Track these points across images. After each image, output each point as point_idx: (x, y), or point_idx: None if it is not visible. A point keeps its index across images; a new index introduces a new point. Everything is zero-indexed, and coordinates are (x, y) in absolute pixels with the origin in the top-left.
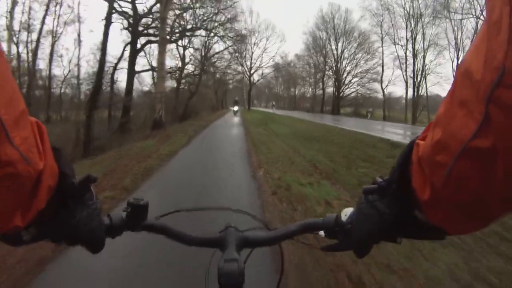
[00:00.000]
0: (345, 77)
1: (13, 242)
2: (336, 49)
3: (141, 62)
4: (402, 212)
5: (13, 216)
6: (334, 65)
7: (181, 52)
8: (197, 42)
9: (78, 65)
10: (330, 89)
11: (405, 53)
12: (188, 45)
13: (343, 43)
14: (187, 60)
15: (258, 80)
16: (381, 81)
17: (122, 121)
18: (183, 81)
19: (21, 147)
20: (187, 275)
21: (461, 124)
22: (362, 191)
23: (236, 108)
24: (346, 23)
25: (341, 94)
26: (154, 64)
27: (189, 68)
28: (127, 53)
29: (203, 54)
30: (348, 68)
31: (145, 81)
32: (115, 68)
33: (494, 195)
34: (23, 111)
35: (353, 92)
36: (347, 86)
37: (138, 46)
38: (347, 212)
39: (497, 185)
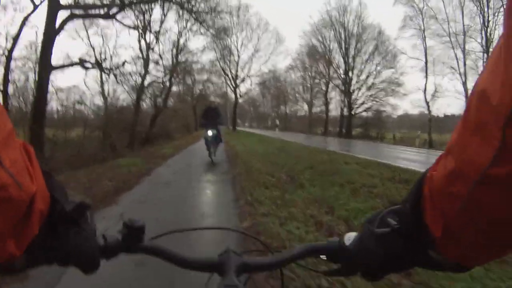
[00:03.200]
0: (358, 89)
1: (6, 271)
2: (347, 53)
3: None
4: (413, 250)
5: (7, 244)
6: (342, 73)
7: (144, 49)
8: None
9: None
10: (331, 106)
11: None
12: (155, 38)
13: (356, 44)
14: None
15: (246, 92)
16: (425, 91)
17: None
18: (149, 91)
19: (12, 169)
20: None
21: (476, 151)
22: (365, 221)
23: (210, 133)
24: (360, 19)
25: (353, 112)
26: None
27: (156, 74)
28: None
29: (173, 54)
30: (362, 77)
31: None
32: (9, 57)
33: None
34: (10, 131)
35: (367, 108)
36: (359, 101)
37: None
38: (350, 237)
39: None
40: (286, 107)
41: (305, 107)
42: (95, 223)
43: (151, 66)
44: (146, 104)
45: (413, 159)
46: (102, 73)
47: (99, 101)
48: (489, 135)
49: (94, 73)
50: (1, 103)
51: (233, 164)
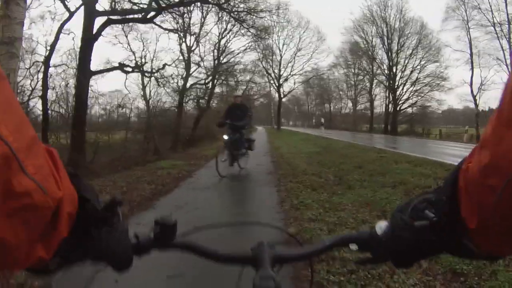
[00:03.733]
0: (403, 85)
1: (41, 273)
2: (390, 48)
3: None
4: (447, 239)
5: (35, 248)
6: (386, 69)
7: (185, 52)
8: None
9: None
10: (375, 103)
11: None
12: (195, 40)
13: (398, 39)
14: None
15: (289, 92)
16: (471, 84)
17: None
18: (191, 94)
19: (36, 176)
20: None
21: (511, 145)
22: (396, 209)
23: (226, 137)
24: (401, 13)
25: (398, 108)
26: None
27: (198, 76)
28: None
29: (215, 56)
30: (406, 72)
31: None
32: (46, 64)
33: None
34: (33, 137)
35: (412, 104)
36: (404, 97)
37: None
38: (381, 226)
39: None
40: (330, 105)
41: (349, 104)
42: (127, 221)
43: (193, 68)
44: (189, 106)
45: (463, 155)
46: (144, 76)
47: (142, 104)
48: None
49: (136, 77)
50: (23, 111)
51: (277, 165)
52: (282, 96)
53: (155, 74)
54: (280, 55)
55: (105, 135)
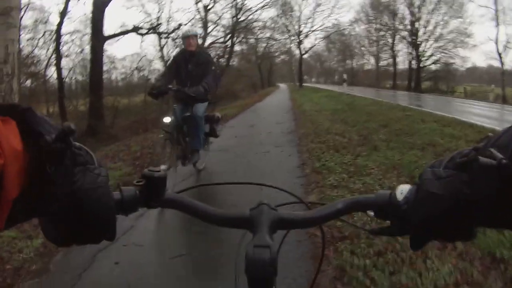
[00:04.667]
0: (426, 41)
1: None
2: (411, 2)
3: None
4: (491, 195)
5: None
6: (409, 24)
7: (202, 11)
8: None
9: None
10: (398, 59)
11: None
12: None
13: None
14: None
15: (310, 48)
16: (497, 42)
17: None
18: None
19: None
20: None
21: None
22: (430, 165)
23: (168, 119)
24: None
25: (421, 64)
26: None
27: (216, 35)
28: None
29: (232, 14)
30: (429, 28)
31: None
32: (58, 32)
33: None
34: None
35: (435, 61)
36: (427, 53)
37: None
38: (403, 190)
39: None
40: (352, 61)
41: (372, 60)
42: (106, 170)
43: (211, 27)
44: None
45: (491, 116)
46: (160, 38)
47: (160, 66)
48: None
49: (154, 39)
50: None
51: (299, 123)
52: (303, 52)
53: (171, 35)
54: (300, 11)
55: (124, 99)
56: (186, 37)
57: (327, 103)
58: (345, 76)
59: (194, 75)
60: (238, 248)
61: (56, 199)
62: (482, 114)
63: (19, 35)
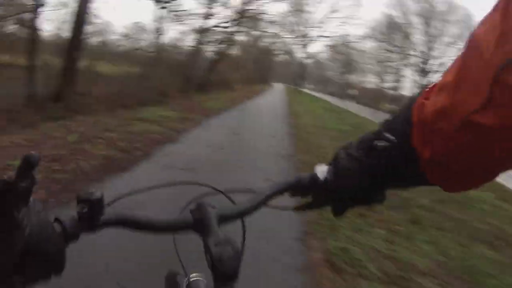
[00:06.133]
0: (435, 72)
1: None
2: (428, 31)
3: None
4: (393, 166)
5: None
6: (420, 52)
7: None
8: None
9: None
10: (403, 85)
11: None
12: None
13: (438, 23)
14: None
15: (315, 53)
16: None
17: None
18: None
19: None
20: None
21: (465, 97)
22: (342, 147)
23: None
24: None
25: None
26: None
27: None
28: None
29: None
30: (443, 60)
31: None
32: None
33: (490, 167)
34: None
35: None
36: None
37: None
38: (322, 168)
39: (493, 160)
40: (353, 76)
41: (373, 79)
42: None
43: (217, 10)
44: (206, 48)
45: None
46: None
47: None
48: (478, 85)
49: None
50: None
51: (297, 141)
52: (306, 57)
53: (169, 6)
54: (312, 12)
55: (106, 66)
56: None
57: (329, 119)
58: (355, 92)
59: None
60: (176, 249)
61: (17, 247)
62: None
63: None
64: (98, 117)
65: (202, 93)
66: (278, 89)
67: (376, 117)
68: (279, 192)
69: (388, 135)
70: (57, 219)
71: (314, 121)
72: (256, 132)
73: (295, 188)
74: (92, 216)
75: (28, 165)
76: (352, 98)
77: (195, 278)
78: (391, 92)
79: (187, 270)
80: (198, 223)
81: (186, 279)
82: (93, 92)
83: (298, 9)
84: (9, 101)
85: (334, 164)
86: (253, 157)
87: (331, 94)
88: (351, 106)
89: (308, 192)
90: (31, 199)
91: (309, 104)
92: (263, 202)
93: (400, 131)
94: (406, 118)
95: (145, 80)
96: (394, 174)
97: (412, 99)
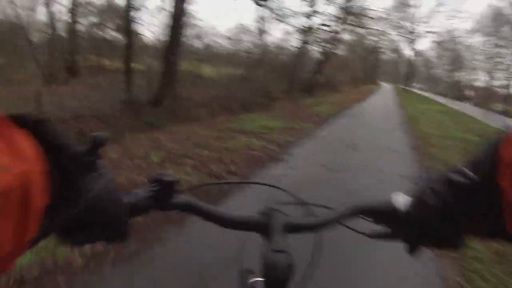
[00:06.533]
0: None
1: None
2: None
3: None
4: (476, 210)
5: (20, 243)
6: None
7: None
8: None
9: None
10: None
11: None
12: None
13: None
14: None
15: (423, 51)
16: None
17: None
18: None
19: None
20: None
21: None
22: (424, 179)
23: None
24: None
25: None
26: None
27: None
28: None
29: None
30: None
31: None
32: None
33: None
34: None
35: None
36: None
37: None
38: (401, 199)
39: None
40: (461, 74)
41: (482, 77)
42: (112, 171)
43: (320, 8)
44: (311, 48)
45: None
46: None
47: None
48: None
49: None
50: None
51: (425, 159)
52: (413, 54)
53: (268, 4)
54: (417, 7)
55: (208, 69)
56: None
57: (449, 125)
58: (471, 92)
59: None
60: (242, 250)
61: (79, 206)
62: None
63: None
64: (195, 127)
65: (307, 95)
66: (386, 89)
67: (492, 120)
68: (355, 213)
69: (467, 170)
70: (129, 192)
71: (434, 128)
72: (374, 146)
73: (372, 213)
74: (162, 195)
75: (95, 144)
76: (467, 99)
77: (257, 279)
78: (503, 90)
79: (255, 270)
80: (264, 225)
81: (252, 279)
82: (194, 96)
83: (403, 3)
84: (107, 106)
85: (418, 198)
86: (376, 181)
87: (441, 94)
88: (465, 108)
89: (382, 219)
90: (102, 169)
91: (422, 107)
92: (336, 220)
93: (486, 169)
94: (492, 155)
95: (248, 82)
96: (474, 218)
97: (502, 134)
